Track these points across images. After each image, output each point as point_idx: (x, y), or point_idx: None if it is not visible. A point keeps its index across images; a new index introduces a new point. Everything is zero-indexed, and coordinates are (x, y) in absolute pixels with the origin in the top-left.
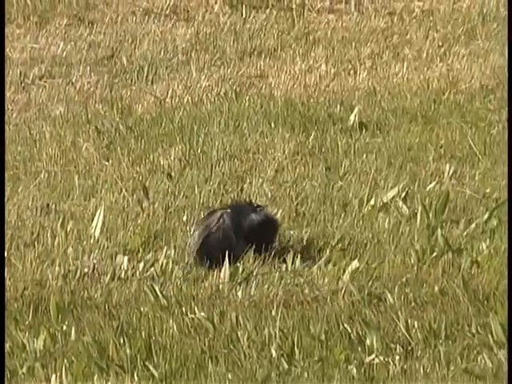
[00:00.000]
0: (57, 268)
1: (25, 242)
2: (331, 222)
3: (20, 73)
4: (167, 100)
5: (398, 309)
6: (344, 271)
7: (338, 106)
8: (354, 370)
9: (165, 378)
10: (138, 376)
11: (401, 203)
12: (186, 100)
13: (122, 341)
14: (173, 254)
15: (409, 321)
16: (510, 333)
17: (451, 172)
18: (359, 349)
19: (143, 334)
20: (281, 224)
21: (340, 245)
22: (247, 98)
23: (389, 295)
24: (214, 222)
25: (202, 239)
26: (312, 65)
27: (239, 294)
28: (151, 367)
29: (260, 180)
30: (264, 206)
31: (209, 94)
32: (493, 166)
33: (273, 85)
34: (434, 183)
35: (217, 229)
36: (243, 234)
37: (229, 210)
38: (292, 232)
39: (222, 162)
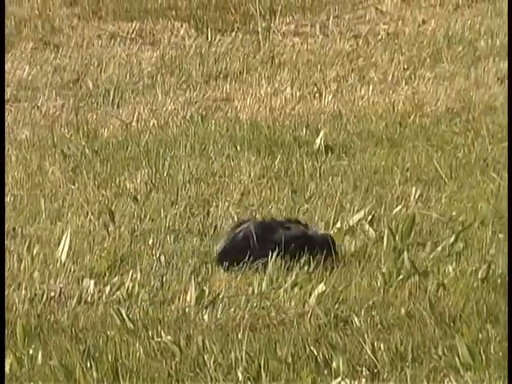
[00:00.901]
0: (23, 292)
1: None
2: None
3: None
4: (133, 123)
5: (364, 332)
6: (310, 294)
7: (304, 129)
8: None
9: None
10: None
11: (367, 226)
12: (151, 123)
13: (88, 364)
14: (139, 277)
15: (375, 343)
16: (510, 333)
17: (417, 195)
18: (325, 372)
19: (110, 357)
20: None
21: (306, 268)
22: (213, 121)
23: (355, 318)
24: (241, 228)
25: (225, 243)
26: (278, 88)
27: (205, 317)
28: None
29: (226, 203)
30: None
31: (175, 118)
32: (459, 189)
33: (239, 108)
34: (400, 206)
35: (240, 233)
36: (269, 240)
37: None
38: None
39: (188, 185)
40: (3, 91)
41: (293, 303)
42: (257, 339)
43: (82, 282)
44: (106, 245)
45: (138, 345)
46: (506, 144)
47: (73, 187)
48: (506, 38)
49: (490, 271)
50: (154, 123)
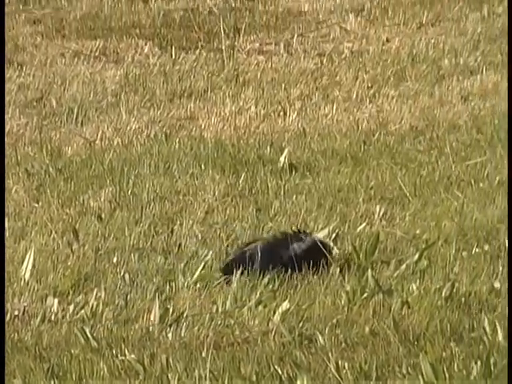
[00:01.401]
0: None
1: None
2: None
3: None
4: (97, 142)
5: (328, 350)
6: (274, 312)
7: (268, 148)
8: None
9: None
10: None
11: (331, 244)
12: (115, 142)
13: (52, 383)
14: (103, 295)
15: (339, 362)
16: (510, 334)
17: (381, 213)
18: None
19: (74, 376)
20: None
21: (270, 286)
22: (177, 139)
23: (319, 336)
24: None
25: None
26: (242, 106)
27: (169, 335)
28: None
29: (190, 221)
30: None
31: (139, 136)
32: (423, 207)
33: (203, 126)
34: (364, 224)
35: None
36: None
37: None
38: (222, 273)
39: (152, 203)
40: (3, 91)
41: (257, 321)
42: (221, 357)
43: (46, 300)
44: (69, 263)
45: (102, 363)
46: (469, 162)
47: (36, 206)
48: (470, 56)
49: (454, 289)
50: (117, 142)
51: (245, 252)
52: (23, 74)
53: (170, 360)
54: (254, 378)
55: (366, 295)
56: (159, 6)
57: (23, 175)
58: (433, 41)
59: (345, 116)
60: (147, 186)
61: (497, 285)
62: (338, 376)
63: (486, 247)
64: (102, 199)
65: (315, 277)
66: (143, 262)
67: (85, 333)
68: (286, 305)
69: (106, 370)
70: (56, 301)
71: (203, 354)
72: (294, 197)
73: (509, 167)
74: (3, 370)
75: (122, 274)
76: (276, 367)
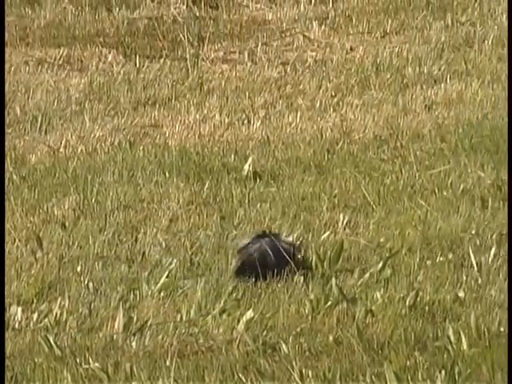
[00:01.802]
0: None
1: None
2: (226, 271)
3: None
4: (61, 150)
5: (292, 358)
6: (239, 321)
7: (233, 156)
8: None
9: None
10: None
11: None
12: (79, 150)
13: None
14: (67, 304)
15: (303, 370)
16: (510, 335)
17: (345, 221)
18: None
19: None
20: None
21: (234, 294)
22: (141, 147)
23: (283, 345)
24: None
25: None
26: (206, 114)
27: (133, 344)
28: None
29: (154, 230)
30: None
31: (103, 144)
32: (386, 216)
33: (167, 134)
34: (328, 233)
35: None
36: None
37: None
38: (186, 282)
39: (116, 211)
40: (3, 91)
41: (221, 330)
42: (185, 366)
43: (10, 309)
44: (33, 272)
45: (65, 372)
46: (433, 171)
47: None
48: (434, 65)
49: (418, 298)
50: (81, 150)
51: (251, 254)
52: None
53: (134, 368)
54: None
55: (329, 304)
56: (123, 14)
57: None
58: (397, 49)
59: (309, 125)
60: (111, 194)
61: (461, 294)
62: None
63: (450, 256)
64: (66, 207)
65: (279, 285)
66: (107, 271)
67: (48, 341)
68: (250, 313)
69: (69, 378)
70: (19, 309)
71: (167, 363)
72: (259, 205)
73: (509, 169)
74: (3, 370)
75: (85, 282)
76: (240, 375)
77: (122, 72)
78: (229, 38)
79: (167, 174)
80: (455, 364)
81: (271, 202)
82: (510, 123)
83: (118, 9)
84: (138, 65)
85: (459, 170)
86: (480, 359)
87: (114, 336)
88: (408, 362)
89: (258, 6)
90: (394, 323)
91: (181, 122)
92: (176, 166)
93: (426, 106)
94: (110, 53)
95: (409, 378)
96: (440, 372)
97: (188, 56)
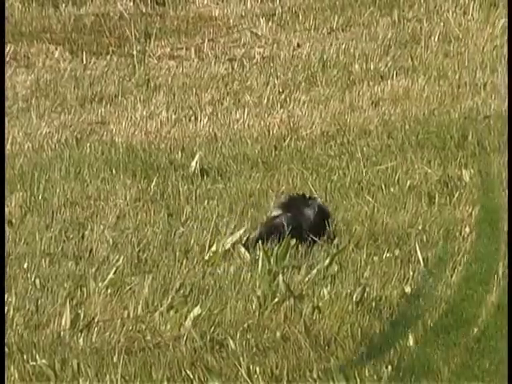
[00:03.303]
0: None
1: None
2: (173, 268)
3: None
4: (7, 147)
5: (239, 354)
6: (186, 317)
7: (180, 152)
8: None
9: None
10: None
11: (242, 249)
12: (26, 147)
13: None
14: (14, 301)
15: (251, 366)
16: (510, 335)
17: None
18: None
19: None
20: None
21: (182, 291)
22: (88, 144)
23: (231, 341)
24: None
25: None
26: (153, 111)
27: (81, 340)
28: None
29: (101, 226)
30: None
31: (49, 141)
32: (333, 212)
33: (114, 131)
34: None
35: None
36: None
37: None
38: (133, 278)
39: (62, 208)
40: (3, 93)
41: (168, 326)
42: (132, 363)
43: None
44: None
45: (12, 368)
46: (380, 167)
47: None
48: (380, 61)
49: (365, 294)
50: (28, 146)
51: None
52: None
53: (82, 365)
54: (166, 382)
55: (277, 300)
56: (70, 11)
57: None
58: (343, 46)
59: (256, 121)
60: (58, 191)
61: (407, 289)
62: (249, 380)
63: (397, 252)
64: (13, 204)
65: (226, 281)
66: (54, 267)
67: None
68: (197, 310)
69: (16, 375)
70: None
71: (114, 359)
72: (206, 202)
73: (509, 167)
74: (3, 370)
75: (32, 279)
76: (188, 372)
77: (68, 68)
78: (175, 35)
79: (114, 171)
80: (401, 359)
81: (218, 199)
82: (509, 122)
83: (64, 5)
84: (84, 61)
85: (406, 166)
86: (426, 355)
87: (61, 333)
88: (354, 358)
89: (205, 2)
90: (340, 319)
91: (127, 118)
92: (123, 163)
93: (372, 102)
94: (56, 49)
95: (355, 373)
96: (386, 367)
97: (135, 52)
